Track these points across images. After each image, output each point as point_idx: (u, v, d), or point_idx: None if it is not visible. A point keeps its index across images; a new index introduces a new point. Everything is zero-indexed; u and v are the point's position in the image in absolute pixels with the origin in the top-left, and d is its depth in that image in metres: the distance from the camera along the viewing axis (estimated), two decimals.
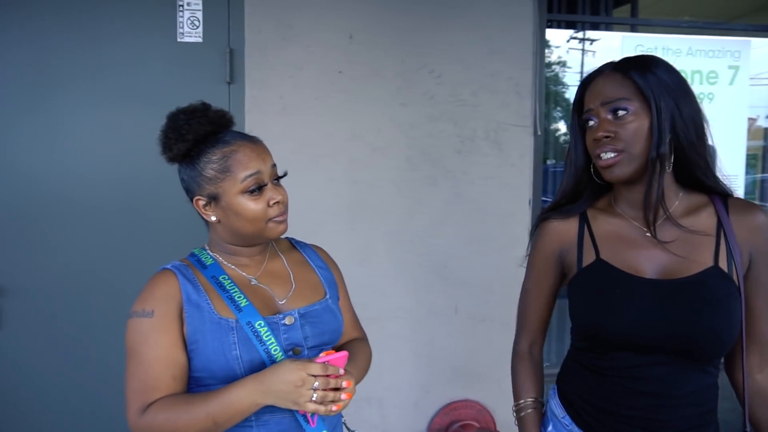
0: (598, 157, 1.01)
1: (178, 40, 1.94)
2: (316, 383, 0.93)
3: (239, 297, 1.04)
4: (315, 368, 0.94)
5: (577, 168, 1.09)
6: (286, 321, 1.06)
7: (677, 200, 1.03)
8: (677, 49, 2.31)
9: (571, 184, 1.11)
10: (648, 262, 1.02)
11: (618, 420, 1.02)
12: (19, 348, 1.91)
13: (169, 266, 1.07)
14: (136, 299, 1.03)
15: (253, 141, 1.09)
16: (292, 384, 0.92)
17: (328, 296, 1.17)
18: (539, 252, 1.16)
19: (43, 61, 1.87)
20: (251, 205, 1.03)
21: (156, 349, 0.98)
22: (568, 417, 1.11)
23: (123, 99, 1.92)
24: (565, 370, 1.17)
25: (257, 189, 1.03)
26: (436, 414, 2.17)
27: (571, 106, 1.10)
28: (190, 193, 1.09)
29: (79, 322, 1.93)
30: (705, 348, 0.97)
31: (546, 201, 2.32)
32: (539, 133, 2.19)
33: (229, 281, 1.06)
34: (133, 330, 1.00)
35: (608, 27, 2.57)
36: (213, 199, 1.05)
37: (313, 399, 0.93)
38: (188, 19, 1.94)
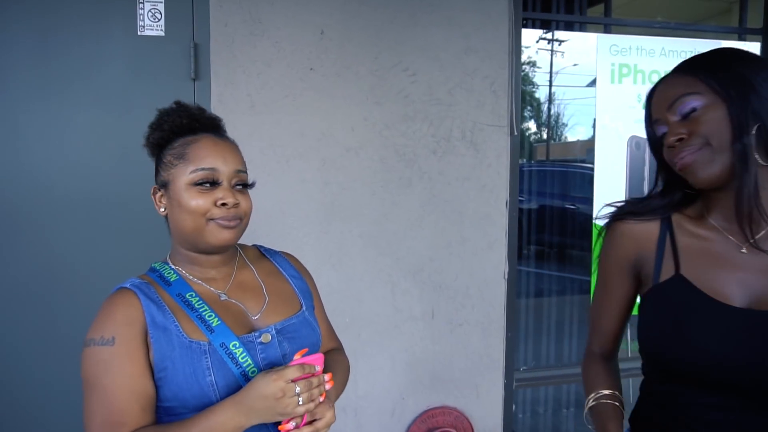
0: (674, 164, 0.89)
1: (139, 33, 1.83)
2: (298, 388, 0.85)
3: (210, 316, 0.94)
4: (292, 372, 0.86)
5: (666, 185, 0.96)
6: (263, 339, 0.97)
7: None
8: (651, 50, 2.30)
9: (661, 205, 0.97)
10: (739, 286, 0.85)
11: None
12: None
13: (127, 285, 0.96)
14: (92, 325, 0.92)
15: (221, 136, 1.02)
16: (273, 398, 0.84)
17: (304, 308, 1.09)
18: (611, 256, 1.00)
19: None
20: (194, 199, 0.94)
21: (120, 380, 0.87)
22: None
23: (80, 95, 1.80)
24: (638, 405, 1.01)
25: (208, 184, 0.95)
26: (413, 422, 2.11)
27: (645, 122, 0.97)
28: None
29: (40, 324, 1.81)
30: None
31: (522, 202, 2.29)
32: (516, 133, 2.15)
33: (197, 299, 0.97)
34: (92, 360, 0.88)
35: (582, 26, 2.56)
36: (164, 186, 0.99)
37: (300, 403, 0.85)
38: (149, 11, 1.83)
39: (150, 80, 1.84)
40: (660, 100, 0.91)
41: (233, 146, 1.03)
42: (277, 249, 1.20)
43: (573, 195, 3.68)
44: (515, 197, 2.18)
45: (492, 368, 2.18)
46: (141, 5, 1.82)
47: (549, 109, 3.73)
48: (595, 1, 2.60)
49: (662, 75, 2.43)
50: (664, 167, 0.96)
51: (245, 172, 1.02)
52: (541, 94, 3.68)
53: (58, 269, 1.81)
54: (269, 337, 0.99)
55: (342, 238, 2.02)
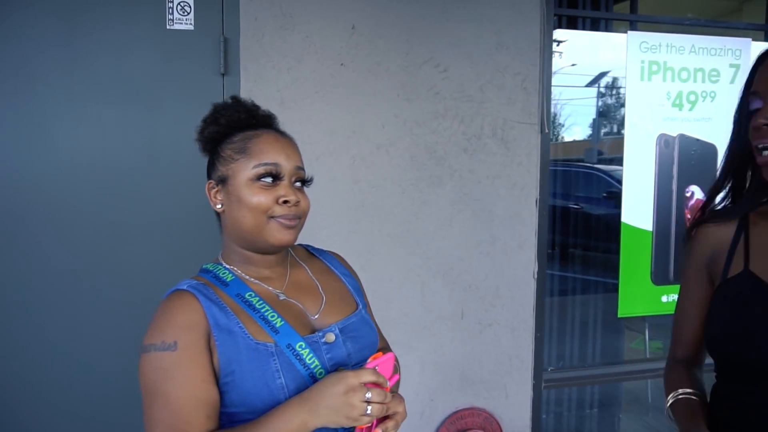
0: (757, 150, 0.85)
1: (168, 27, 1.78)
2: (369, 394, 0.81)
3: (273, 316, 0.91)
4: (366, 374, 0.82)
5: (736, 161, 0.92)
6: (327, 339, 0.95)
7: None
8: (680, 47, 2.27)
9: (729, 182, 0.94)
10: None
11: None
12: (5, 354, 1.73)
13: (184, 286, 0.91)
14: (149, 329, 0.88)
15: (282, 133, 1.01)
16: (341, 394, 0.80)
17: (361, 306, 1.07)
18: (691, 259, 1.01)
19: (20, 51, 1.69)
20: (257, 195, 0.92)
21: (184, 387, 0.83)
22: None
23: (107, 91, 1.75)
24: (710, 404, 1.00)
25: (270, 179, 0.93)
26: (442, 423, 2.08)
27: (742, 89, 0.91)
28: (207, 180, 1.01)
29: (65, 325, 1.76)
30: None
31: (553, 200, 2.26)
32: (546, 130, 2.12)
33: (258, 299, 0.94)
34: (152, 366, 0.84)
35: (609, 23, 2.52)
36: (222, 182, 0.96)
37: (368, 412, 0.81)
38: (178, 4, 1.78)
39: (179, 75, 1.79)
40: (765, 77, 0.84)
41: (293, 142, 1.01)
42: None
43: (577, 195, 3.67)
44: (546, 196, 2.15)
45: (521, 369, 2.16)
46: None
47: (553, 109, 3.69)
48: None
49: (692, 72, 2.37)
50: (736, 146, 0.92)
51: (304, 169, 1.00)
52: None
53: (86, 266, 1.77)
54: (333, 337, 0.96)
55: (371, 237, 1.99)
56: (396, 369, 0.91)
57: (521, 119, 2.09)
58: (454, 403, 2.10)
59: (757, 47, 2.40)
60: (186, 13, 1.79)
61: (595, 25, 2.51)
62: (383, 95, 1.96)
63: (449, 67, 2.01)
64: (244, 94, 1.84)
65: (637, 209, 2.30)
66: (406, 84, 1.97)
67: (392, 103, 1.97)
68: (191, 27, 1.80)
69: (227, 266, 0.98)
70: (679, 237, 2.35)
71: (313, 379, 0.89)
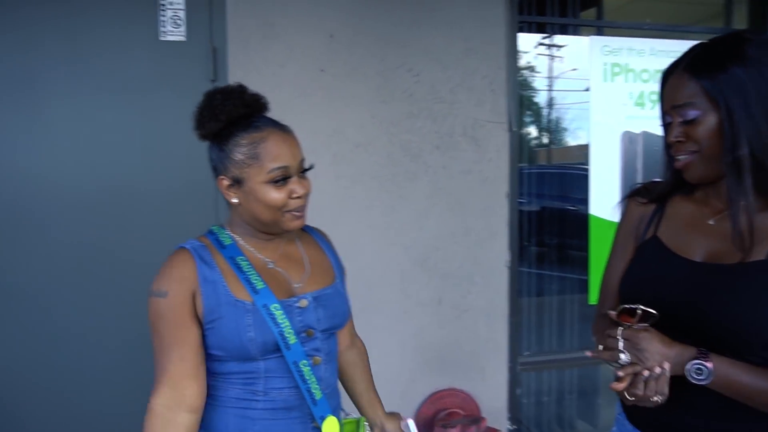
0: (674, 158, 1.02)
1: (161, 38, 1.96)
2: None
3: (256, 279, 1.07)
4: None
5: (668, 163, 1.08)
6: (300, 304, 1.10)
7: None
8: (641, 50, 2.44)
9: (670, 181, 1.10)
10: (700, 246, 1.02)
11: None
12: (10, 346, 1.88)
13: (187, 246, 1.08)
14: (155, 277, 1.06)
15: (284, 130, 1.11)
16: None
17: (338, 280, 1.22)
18: (622, 224, 1.18)
19: (23, 57, 1.86)
20: (273, 194, 1.05)
21: (172, 327, 1.03)
22: (623, 413, 1.13)
23: (105, 95, 1.92)
24: None
25: (282, 180, 1.06)
26: (422, 403, 2.21)
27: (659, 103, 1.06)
28: (216, 172, 1.11)
29: (67, 318, 1.91)
30: (716, 334, 0.93)
31: (522, 195, 2.41)
32: (514, 129, 2.28)
33: (246, 263, 1.09)
34: (151, 309, 1.04)
35: (576, 29, 2.69)
36: (237, 182, 1.07)
37: None
38: (171, 18, 1.96)
39: (172, 82, 1.96)
40: (667, 97, 1.01)
41: (293, 134, 1.13)
42: None
43: (572, 196, 3.80)
44: (515, 190, 2.30)
45: (497, 352, 2.29)
46: (163, 13, 1.95)
47: (549, 113, 3.84)
48: (587, 5, 2.74)
49: (652, 73, 2.51)
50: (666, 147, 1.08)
51: (304, 158, 1.13)
52: (541, 99, 3.81)
53: (70, 265, 1.92)
54: (306, 303, 1.11)
55: (353, 229, 2.14)
56: None
57: (490, 119, 2.25)
58: (433, 384, 2.24)
59: None
60: (178, 26, 1.97)
61: (563, 32, 2.67)
62: (361, 98, 2.13)
63: (421, 72, 2.17)
64: None
65: (604, 202, 2.44)
66: (381, 87, 2.14)
67: (369, 105, 2.13)
68: (183, 38, 1.97)
69: (229, 232, 1.14)
70: None
71: (281, 336, 1.04)
